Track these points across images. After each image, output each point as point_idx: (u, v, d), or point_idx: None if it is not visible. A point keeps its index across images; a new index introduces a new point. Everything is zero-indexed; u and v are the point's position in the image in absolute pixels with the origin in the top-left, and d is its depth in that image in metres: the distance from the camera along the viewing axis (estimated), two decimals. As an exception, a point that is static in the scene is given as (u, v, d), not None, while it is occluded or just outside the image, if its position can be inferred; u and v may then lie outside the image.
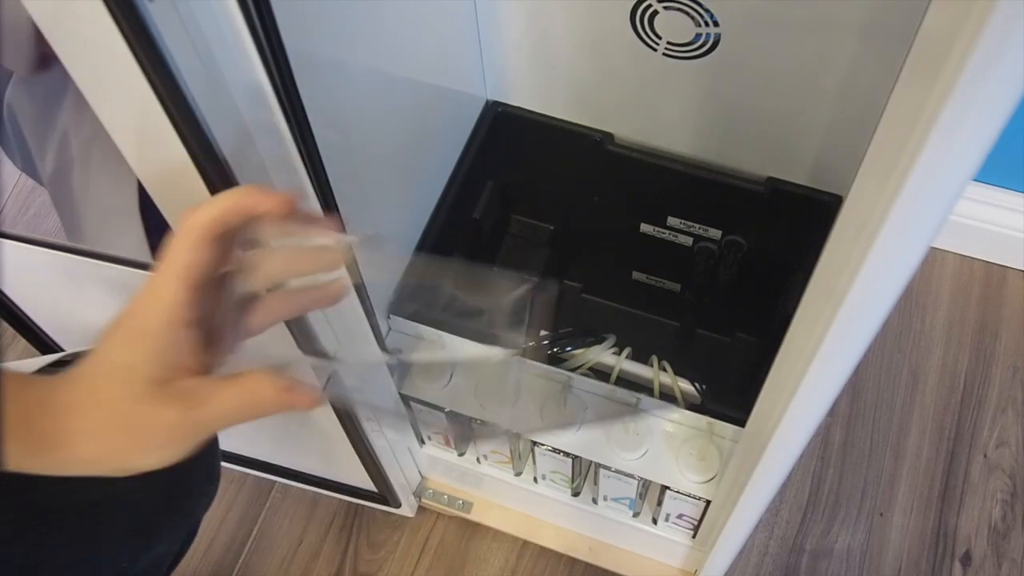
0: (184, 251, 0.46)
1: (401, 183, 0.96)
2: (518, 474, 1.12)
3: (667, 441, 0.93)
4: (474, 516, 1.22)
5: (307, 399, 0.48)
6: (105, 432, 0.45)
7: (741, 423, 0.89)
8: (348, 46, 0.72)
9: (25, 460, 0.44)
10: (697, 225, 1.11)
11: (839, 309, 0.50)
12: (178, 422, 0.46)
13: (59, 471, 0.46)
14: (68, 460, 0.45)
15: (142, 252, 0.75)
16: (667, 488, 0.94)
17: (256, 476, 1.29)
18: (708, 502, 0.94)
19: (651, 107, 1.01)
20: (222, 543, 1.29)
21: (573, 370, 0.94)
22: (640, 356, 0.97)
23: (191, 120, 0.50)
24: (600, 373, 0.97)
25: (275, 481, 1.30)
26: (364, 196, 0.83)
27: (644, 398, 0.92)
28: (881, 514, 1.26)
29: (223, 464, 1.29)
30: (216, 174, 0.54)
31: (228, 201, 0.47)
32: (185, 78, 0.48)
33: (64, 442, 0.45)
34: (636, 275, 1.26)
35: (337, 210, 0.70)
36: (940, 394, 1.35)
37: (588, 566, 1.21)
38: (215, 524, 1.30)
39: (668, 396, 0.94)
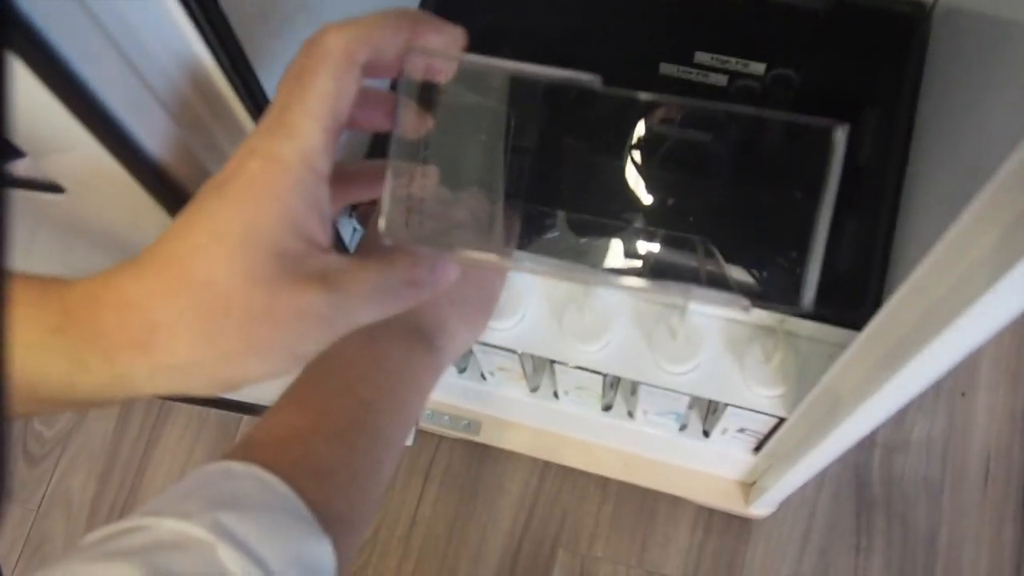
0: (324, 79, 0.35)
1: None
2: (534, 390, 0.91)
3: (726, 345, 0.72)
4: (483, 438, 1.01)
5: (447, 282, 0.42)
6: (207, 326, 0.33)
7: (830, 320, 0.68)
8: None
9: (100, 372, 0.33)
10: (733, 59, 0.87)
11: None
12: (317, 310, 0.34)
13: (143, 388, 0.34)
14: (154, 368, 0.33)
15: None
16: (728, 404, 0.73)
17: (219, 413, 1.09)
18: (781, 419, 0.73)
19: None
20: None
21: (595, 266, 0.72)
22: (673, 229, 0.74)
23: None
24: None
25: (241, 417, 1.09)
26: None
27: (695, 288, 0.70)
28: (963, 394, 1.06)
29: (182, 404, 1.09)
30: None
31: (384, 22, 0.37)
32: None
33: (148, 343, 0.33)
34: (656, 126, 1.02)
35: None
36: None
37: (623, 484, 1.01)
38: (180, 463, 1.11)
39: (719, 286, 0.73)
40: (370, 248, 0.53)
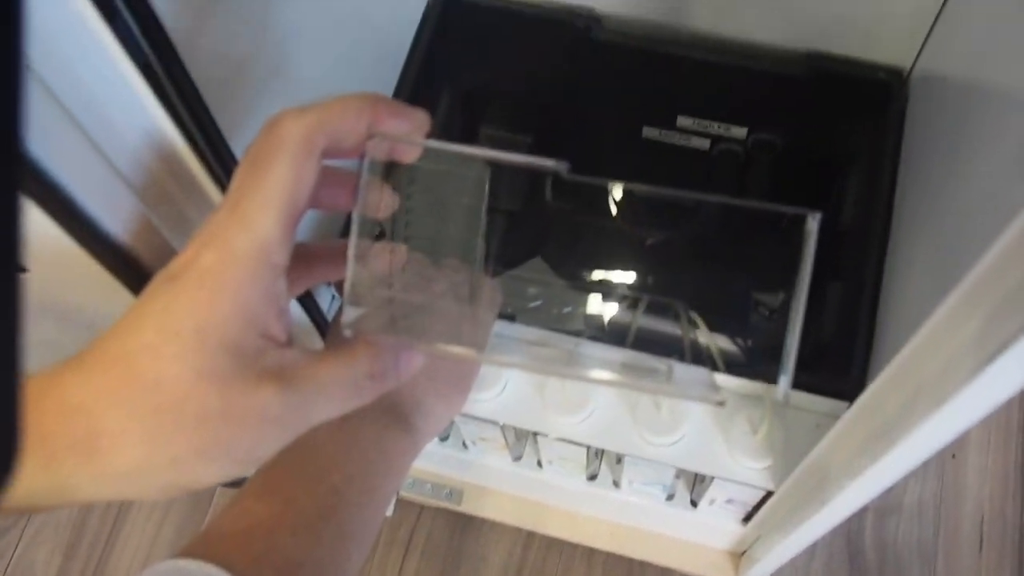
0: (281, 167, 0.33)
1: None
2: (517, 459, 0.89)
3: (711, 415, 0.71)
4: (466, 507, 0.99)
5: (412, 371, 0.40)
6: (155, 431, 0.31)
7: (816, 389, 0.67)
8: None
9: (39, 478, 0.31)
10: (715, 124, 0.87)
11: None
12: (272, 411, 0.33)
13: (86, 495, 0.32)
14: (98, 475, 0.31)
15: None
16: (715, 477, 0.71)
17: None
18: (769, 492, 0.71)
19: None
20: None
21: (577, 334, 0.71)
22: (656, 303, 0.73)
23: None
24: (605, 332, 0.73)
25: (215, 488, 1.07)
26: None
27: (677, 365, 0.69)
28: (953, 456, 1.05)
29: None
30: None
31: (344, 107, 0.36)
32: None
33: (93, 450, 0.31)
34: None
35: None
36: None
37: (610, 555, 0.99)
38: (149, 537, 1.08)
39: (701, 356, 0.71)
40: (336, 337, 0.52)
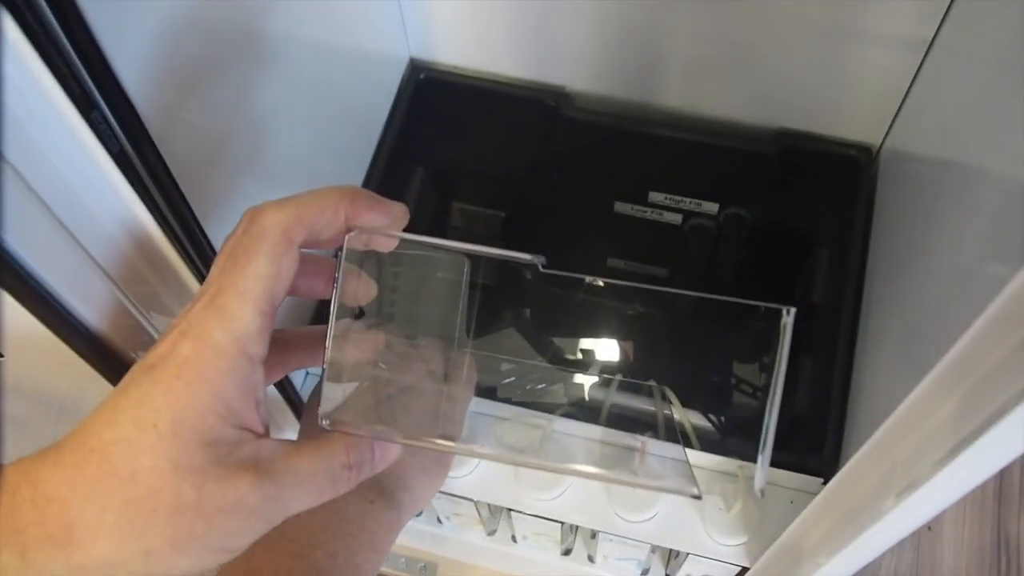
0: (260, 260, 0.34)
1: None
2: (491, 534, 0.88)
3: (685, 492, 0.70)
4: (440, 582, 0.98)
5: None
6: (130, 523, 0.31)
7: (790, 466, 0.67)
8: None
9: (14, 568, 0.31)
10: (687, 199, 0.88)
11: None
12: (248, 503, 0.33)
13: None
14: (73, 567, 0.31)
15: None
16: (689, 553, 0.71)
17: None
18: (744, 569, 0.71)
19: (623, 54, 0.78)
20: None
21: (552, 411, 0.71)
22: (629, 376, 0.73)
23: None
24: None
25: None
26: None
27: (651, 441, 0.68)
28: (929, 528, 1.05)
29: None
30: None
31: (323, 201, 0.36)
32: None
33: (67, 541, 0.31)
34: (612, 261, 1.02)
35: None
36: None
37: (586, 630, 0.98)
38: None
39: (675, 433, 0.71)
40: (311, 426, 0.52)
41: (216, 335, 0.33)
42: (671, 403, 0.70)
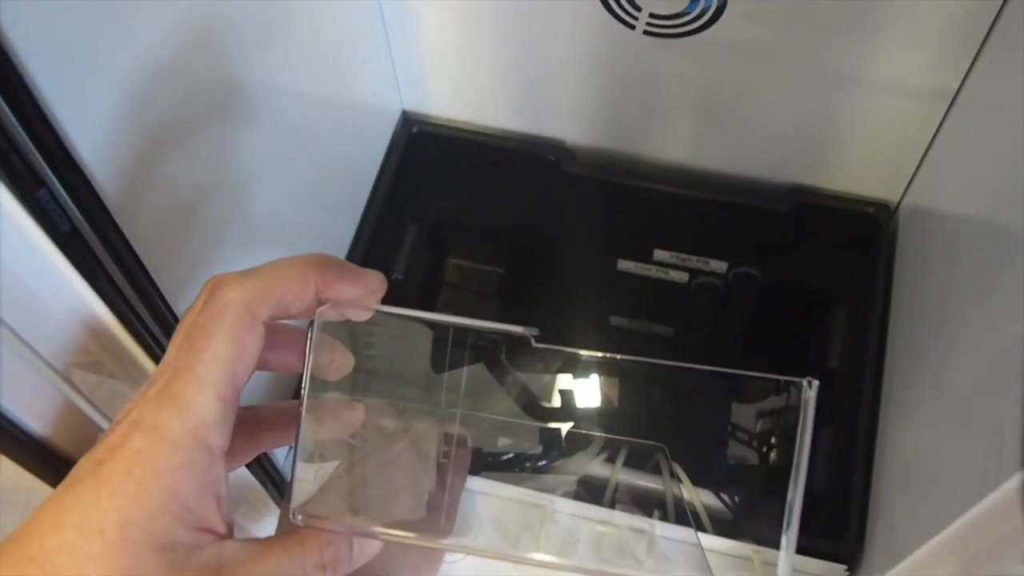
0: (220, 341, 0.31)
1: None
2: (487, 615, 0.83)
3: (698, 575, 0.65)
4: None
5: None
6: None
7: (810, 551, 0.62)
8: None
9: None
10: (694, 257, 0.84)
11: None
12: None
13: None
14: None
15: None
16: (703, 646, 0.66)
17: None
18: (764, 661, 0.66)
19: (625, 107, 0.74)
20: None
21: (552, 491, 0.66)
22: (635, 451, 0.69)
23: None
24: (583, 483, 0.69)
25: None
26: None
27: (659, 524, 0.64)
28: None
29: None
30: None
31: (290, 273, 0.33)
32: None
33: None
34: (615, 320, 0.98)
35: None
36: None
37: None
38: None
39: (686, 515, 0.67)
40: (287, 518, 0.47)
41: (171, 426, 0.30)
42: (680, 480, 0.66)
